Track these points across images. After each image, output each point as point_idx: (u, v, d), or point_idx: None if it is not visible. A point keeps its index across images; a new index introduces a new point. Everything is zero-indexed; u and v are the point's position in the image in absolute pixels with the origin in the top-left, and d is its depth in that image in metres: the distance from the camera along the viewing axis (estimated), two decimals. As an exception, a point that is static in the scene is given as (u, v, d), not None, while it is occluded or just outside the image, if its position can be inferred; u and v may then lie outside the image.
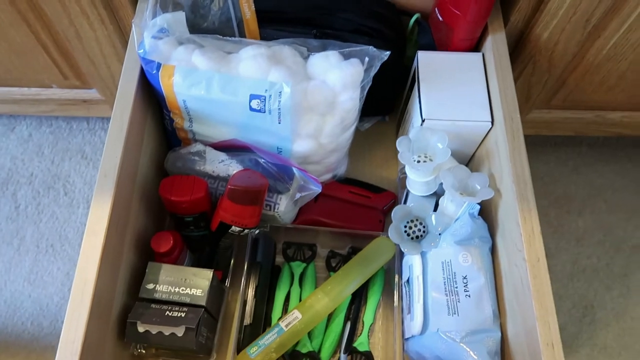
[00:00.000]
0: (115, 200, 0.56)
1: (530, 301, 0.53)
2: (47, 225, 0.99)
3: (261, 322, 0.67)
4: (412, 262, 0.63)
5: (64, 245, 0.98)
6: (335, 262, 0.73)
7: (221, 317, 0.66)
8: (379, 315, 0.70)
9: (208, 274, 0.60)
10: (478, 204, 0.62)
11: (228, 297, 0.69)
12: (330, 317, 0.69)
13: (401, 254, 0.68)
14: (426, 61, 0.70)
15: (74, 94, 0.90)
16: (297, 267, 0.72)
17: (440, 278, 0.60)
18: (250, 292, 0.67)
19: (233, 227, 0.62)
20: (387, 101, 0.84)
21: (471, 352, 0.56)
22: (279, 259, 0.74)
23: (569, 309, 0.95)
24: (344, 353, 0.66)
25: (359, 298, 0.70)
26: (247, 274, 0.68)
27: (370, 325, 0.69)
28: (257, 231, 0.70)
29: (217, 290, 0.63)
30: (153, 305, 0.58)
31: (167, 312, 0.57)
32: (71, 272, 0.96)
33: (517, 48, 0.75)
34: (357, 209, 0.75)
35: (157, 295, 0.59)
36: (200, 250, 0.69)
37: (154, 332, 0.56)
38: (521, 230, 0.56)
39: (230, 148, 0.69)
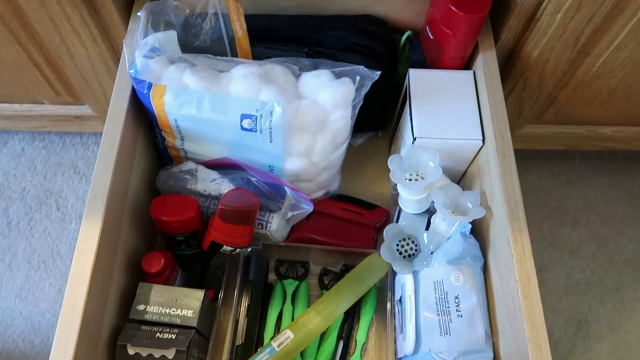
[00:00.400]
0: (105, 221, 0.56)
1: (522, 322, 0.52)
2: (39, 241, 0.98)
3: (253, 342, 0.66)
4: (405, 281, 0.63)
5: (56, 261, 0.97)
6: (328, 280, 0.73)
7: (213, 336, 0.66)
8: (371, 334, 0.70)
9: (199, 294, 0.60)
10: (470, 222, 0.62)
11: (220, 316, 0.69)
12: (322, 336, 0.68)
13: (394, 272, 0.68)
14: (417, 79, 0.70)
15: (66, 110, 0.90)
16: (290, 285, 0.72)
17: (432, 298, 0.60)
18: (242, 311, 0.67)
19: (224, 246, 0.62)
20: (379, 117, 0.84)
21: (463, 373, 0.56)
22: (272, 276, 0.73)
23: (563, 323, 0.95)
24: (337, 373, 0.65)
25: (351, 316, 0.70)
26: (239, 293, 0.68)
27: (363, 344, 0.68)
28: (249, 249, 0.70)
29: (208, 311, 0.63)
30: (143, 327, 0.58)
31: (158, 333, 0.57)
32: (63, 288, 0.95)
33: (508, 65, 0.76)
34: (350, 226, 0.75)
35: (147, 317, 0.58)
36: (192, 268, 0.69)
37: (144, 355, 0.55)
38: (512, 251, 0.56)
39: (222, 166, 0.69)
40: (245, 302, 0.67)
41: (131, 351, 0.55)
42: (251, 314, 0.67)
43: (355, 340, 0.69)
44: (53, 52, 0.75)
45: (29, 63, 0.78)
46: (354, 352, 0.68)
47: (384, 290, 0.71)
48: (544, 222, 1.04)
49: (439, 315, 0.59)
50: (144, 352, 0.55)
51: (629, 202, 1.06)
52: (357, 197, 0.79)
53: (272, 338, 0.64)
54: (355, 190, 0.81)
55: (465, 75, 0.71)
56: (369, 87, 0.64)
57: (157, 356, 0.55)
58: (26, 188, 1.03)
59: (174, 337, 0.56)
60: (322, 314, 0.65)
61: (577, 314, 0.96)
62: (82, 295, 0.52)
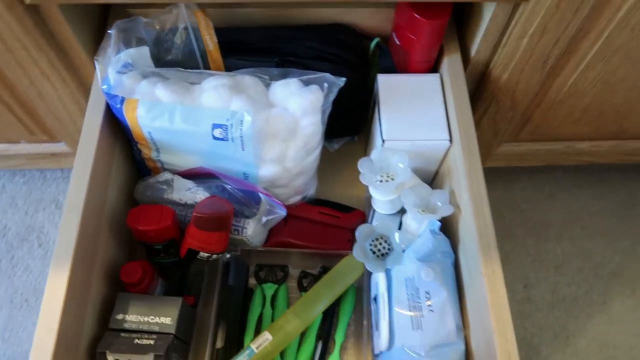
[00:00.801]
0: (80, 234, 0.57)
1: (488, 313, 0.54)
2: (21, 279, 0.97)
3: (234, 346, 0.68)
4: (378, 280, 0.65)
5: (39, 299, 0.95)
6: (306, 282, 0.74)
7: (194, 341, 0.67)
8: (350, 333, 0.71)
9: (177, 302, 0.62)
10: (439, 220, 0.64)
11: (200, 322, 0.70)
12: (302, 337, 0.70)
13: (370, 272, 0.70)
14: (386, 84, 0.72)
15: (42, 148, 0.89)
16: (269, 288, 0.73)
17: (404, 294, 0.62)
18: (223, 316, 0.68)
19: (201, 253, 0.64)
20: (354, 122, 0.86)
21: (435, 366, 0.57)
22: (252, 281, 0.75)
23: (551, 340, 0.94)
24: (316, 372, 0.67)
25: (330, 317, 0.71)
26: (219, 298, 0.69)
27: (342, 344, 0.70)
28: (228, 255, 0.71)
29: (187, 317, 0.64)
30: (122, 335, 0.59)
31: (137, 340, 0.58)
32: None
33: (480, 88, 0.76)
34: (327, 229, 0.77)
35: (126, 325, 0.60)
36: (171, 276, 0.70)
37: (123, 361, 0.57)
38: (478, 245, 0.58)
39: (198, 176, 0.70)
40: (224, 307, 0.69)
41: (110, 358, 0.57)
42: (231, 318, 0.68)
43: (334, 339, 0.70)
44: (24, 95, 0.75)
45: (1, 105, 0.78)
46: (333, 352, 0.69)
47: (362, 291, 0.72)
48: (528, 237, 1.03)
49: (410, 311, 0.60)
50: (123, 358, 0.56)
51: (613, 213, 1.06)
52: (335, 201, 0.81)
53: (251, 340, 0.66)
54: (333, 194, 0.82)
55: (432, 78, 0.73)
56: (336, 93, 0.66)
57: (136, 362, 0.57)
58: (7, 225, 1.02)
59: (152, 342, 0.58)
60: (300, 316, 0.66)
61: (565, 330, 0.95)
62: (58, 306, 0.53)
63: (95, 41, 0.69)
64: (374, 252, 0.67)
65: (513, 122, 0.83)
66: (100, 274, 0.62)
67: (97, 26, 0.70)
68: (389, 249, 0.67)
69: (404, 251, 0.65)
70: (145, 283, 0.64)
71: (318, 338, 0.70)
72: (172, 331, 0.59)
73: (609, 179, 1.09)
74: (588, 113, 0.82)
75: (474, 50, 0.69)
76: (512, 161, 0.95)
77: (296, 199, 0.78)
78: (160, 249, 0.67)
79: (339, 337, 0.70)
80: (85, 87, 0.73)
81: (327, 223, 0.77)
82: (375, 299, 0.66)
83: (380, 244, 0.68)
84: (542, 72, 0.71)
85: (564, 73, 0.73)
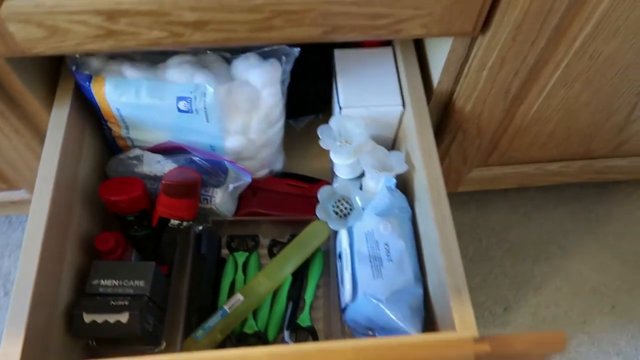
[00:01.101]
0: (52, 210, 0.59)
1: (439, 255, 0.58)
2: None
3: (208, 311, 0.71)
4: (341, 237, 0.69)
5: None
6: (276, 250, 0.78)
7: (169, 308, 0.70)
8: (320, 294, 0.75)
9: (150, 265, 0.65)
10: (395, 177, 0.68)
11: (175, 290, 0.73)
12: (274, 298, 0.73)
13: (335, 234, 0.74)
14: (342, 57, 0.77)
15: (1, 196, 0.86)
16: (241, 256, 0.76)
17: (365, 247, 0.65)
18: (196, 283, 0.71)
19: (172, 220, 0.67)
20: (318, 101, 0.90)
21: (395, 310, 0.61)
22: (225, 252, 0.78)
23: None
24: (287, 329, 0.70)
25: (300, 279, 0.75)
26: (192, 266, 0.72)
27: (312, 303, 0.73)
28: (200, 227, 0.75)
29: (160, 282, 0.67)
30: (98, 298, 0.62)
31: (112, 301, 0.61)
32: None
33: (445, 118, 0.78)
34: (294, 198, 0.81)
35: (101, 290, 0.62)
36: (146, 249, 0.73)
37: (99, 322, 0.59)
38: (429, 195, 0.62)
39: (167, 151, 0.74)
40: (198, 275, 0.72)
41: (87, 319, 0.59)
42: (204, 285, 0.72)
43: (304, 299, 0.74)
44: (-24, 144, 0.71)
45: None
46: (303, 310, 0.73)
47: (330, 254, 0.76)
48: (505, 259, 1.03)
49: (371, 262, 0.64)
50: (100, 318, 0.59)
51: (587, 229, 1.06)
52: (302, 174, 0.85)
53: (224, 302, 0.69)
54: (299, 168, 0.86)
55: (385, 50, 0.77)
56: (292, 63, 0.70)
57: (112, 322, 0.59)
58: (-29, 273, 0.94)
59: (127, 303, 0.60)
60: (270, 277, 0.70)
61: (547, 354, 0.95)
62: (32, 271, 0.55)
63: (49, 89, 0.67)
64: (337, 213, 0.71)
65: (481, 149, 0.84)
66: (74, 245, 0.65)
67: (50, 74, 0.68)
68: (350, 210, 0.71)
69: (363, 209, 0.69)
70: (119, 252, 0.67)
71: (289, 299, 0.73)
72: (147, 293, 0.62)
73: (581, 195, 1.09)
74: (554, 138, 0.83)
75: (436, 81, 0.71)
76: (484, 185, 0.96)
77: (264, 172, 0.81)
78: (133, 220, 0.70)
79: (308, 297, 0.74)
80: (40, 135, 0.70)
81: (294, 193, 0.81)
82: (340, 256, 0.70)
83: (342, 204, 0.72)
84: (505, 101, 0.72)
85: (527, 101, 0.74)
